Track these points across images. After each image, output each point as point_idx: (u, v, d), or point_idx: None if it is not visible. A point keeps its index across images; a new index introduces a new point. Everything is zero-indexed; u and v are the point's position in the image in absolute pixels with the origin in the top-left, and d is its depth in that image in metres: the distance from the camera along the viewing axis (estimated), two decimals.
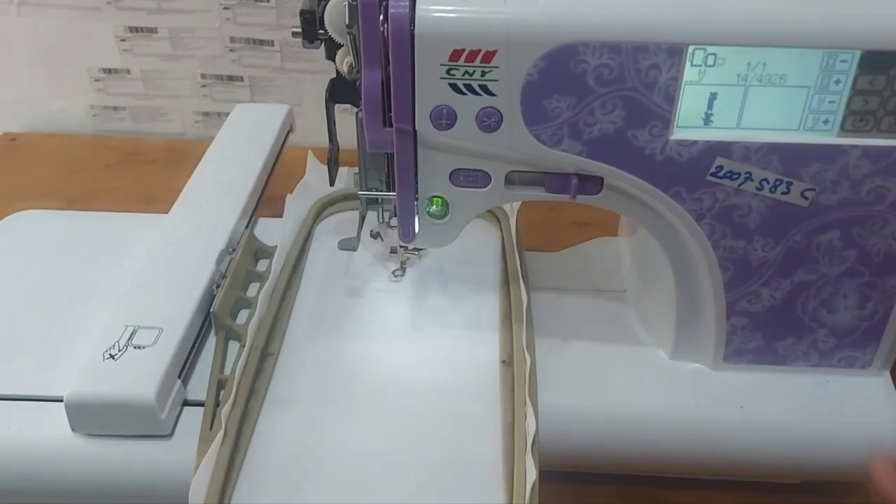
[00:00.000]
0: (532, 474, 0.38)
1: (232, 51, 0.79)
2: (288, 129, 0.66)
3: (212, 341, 0.46)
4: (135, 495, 0.41)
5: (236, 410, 0.42)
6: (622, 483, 0.47)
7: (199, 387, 0.44)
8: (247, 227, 0.54)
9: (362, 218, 0.49)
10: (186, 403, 0.43)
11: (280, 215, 0.55)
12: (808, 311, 0.43)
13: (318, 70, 0.80)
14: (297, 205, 0.56)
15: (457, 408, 0.43)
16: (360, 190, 0.46)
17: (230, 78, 0.82)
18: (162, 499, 0.40)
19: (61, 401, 0.40)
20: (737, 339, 0.44)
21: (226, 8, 0.77)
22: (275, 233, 0.54)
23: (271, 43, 0.79)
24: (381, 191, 0.46)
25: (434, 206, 0.42)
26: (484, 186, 0.41)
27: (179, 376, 0.43)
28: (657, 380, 0.46)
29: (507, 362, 0.46)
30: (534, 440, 0.40)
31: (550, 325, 0.48)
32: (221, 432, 0.40)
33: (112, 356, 0.41)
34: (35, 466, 0.41)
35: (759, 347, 0.44)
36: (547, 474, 0.39)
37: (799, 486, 0.47)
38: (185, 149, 0.80)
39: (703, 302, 0.43)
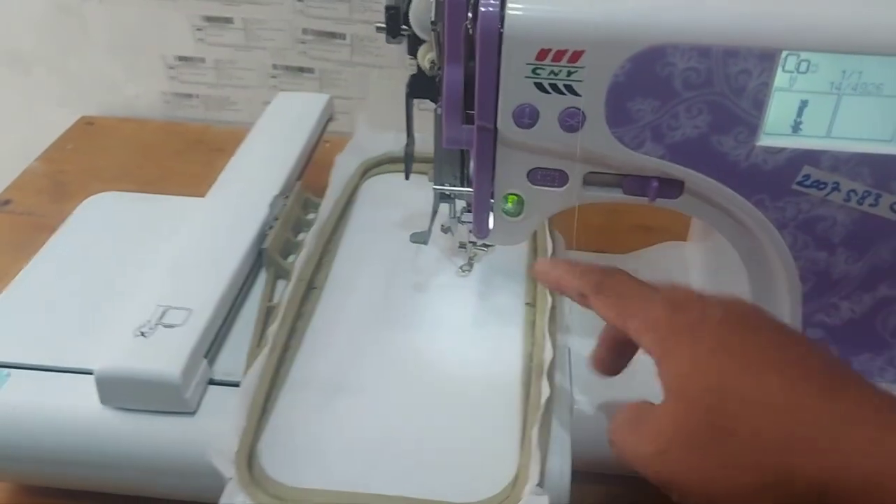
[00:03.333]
0: (546, 392, 0.41)
1: (303, 42, 0.81)
2: (328, 118, 0.68)
3: (240, 323, 0.48)
4: (159, 469, 0.42)
5: (283, 329, 0.46)
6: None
7: (225, 367, 0.45)
8: (298, 178, 0.58)
9: (434, 212, 0.49)
10: (212, 382, 0.44)
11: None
12: (888, 327, 0.42)
13: (385, 65, 0.81)
14: (346, 163, 0.61)
15: (485, 343, 0.48)
16: (435, 184, 0.46)
17: (300, 69, 0.83)
18: (184, 474, 0.41)
19: (92, 374, 0.41)
20: None
21: (299, 0, 0.78)
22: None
23: (343, 36, 0.80)
24: (455, 186, 0.46)
25: (509, 204, 0.42)
26: (561, 186, 0.41)
27: (206, 356, 0.44)
28: None
29: (531, 304, 0.50)
30: (550, 365, 0.43)
31: None
32: (269, 346, 0.44)
33: (143, 333, 0.43)
34: (64, 436, 0.42)
35: None
36: (600, 477, 0.41)
37: None
38: None
39: (778, 312, 0.43)
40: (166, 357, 0.42)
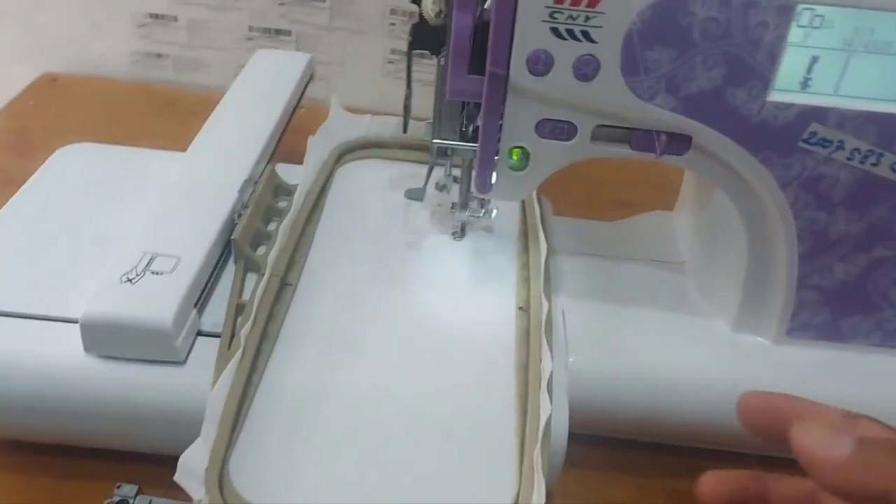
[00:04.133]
0: (546, 410, 0.38)
1: (282, 4, 0.79)
2: (308, 78, 0.66)
3: (227, 276, 0.46)
4: (145, 419, 0.40)
5: (255, 331, 0.42)
6: (664, 452, 0.47)
7: (213, 319, 0.43)
8: (267, 163, 0.55)
9: (430, 168, 0.48)
10: (200, 334, 0.42)
11: (298, 164, 0.55)
12: (878, 289, 0.43)
13: (364, 30, 0.80)
14: (320, 146, 0.57)
15: (474, 354, 0.44)
16: (434, 139, 0.46)
17: (277, 32, 0.81)
18: (171, 425, 0.40)
19: (76, 322, 0.40)
20: (803, 313, 0.44)
21: None
22: (293, 177, 0.54)
23: None
24: (455, 142, 0.45)
25: (514, 158, 0.42)
26: (569, 139, 0.40)
27: (195, 306, 0.42)
28: (717, 350, 0.45)
29: (524, 308, 0.46)
30: (549, 380, 0.39)
31: (605, 291, 0.48)
32: (240, 351, 0.40)
33: (129, 280, 0.41)
34: (47, 384, 0.40)
35: (825, 323, 0.44)
36: (591, 438, 0.40)
37: None
38: None
39: (774, 274, 0.43)
40: (156, 304, 0.40)
